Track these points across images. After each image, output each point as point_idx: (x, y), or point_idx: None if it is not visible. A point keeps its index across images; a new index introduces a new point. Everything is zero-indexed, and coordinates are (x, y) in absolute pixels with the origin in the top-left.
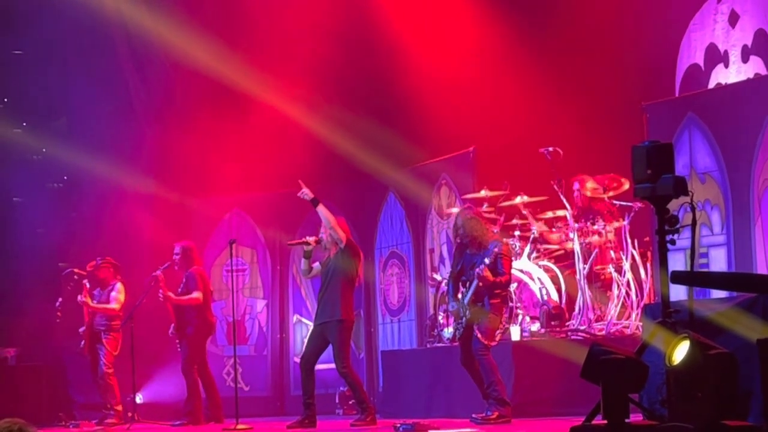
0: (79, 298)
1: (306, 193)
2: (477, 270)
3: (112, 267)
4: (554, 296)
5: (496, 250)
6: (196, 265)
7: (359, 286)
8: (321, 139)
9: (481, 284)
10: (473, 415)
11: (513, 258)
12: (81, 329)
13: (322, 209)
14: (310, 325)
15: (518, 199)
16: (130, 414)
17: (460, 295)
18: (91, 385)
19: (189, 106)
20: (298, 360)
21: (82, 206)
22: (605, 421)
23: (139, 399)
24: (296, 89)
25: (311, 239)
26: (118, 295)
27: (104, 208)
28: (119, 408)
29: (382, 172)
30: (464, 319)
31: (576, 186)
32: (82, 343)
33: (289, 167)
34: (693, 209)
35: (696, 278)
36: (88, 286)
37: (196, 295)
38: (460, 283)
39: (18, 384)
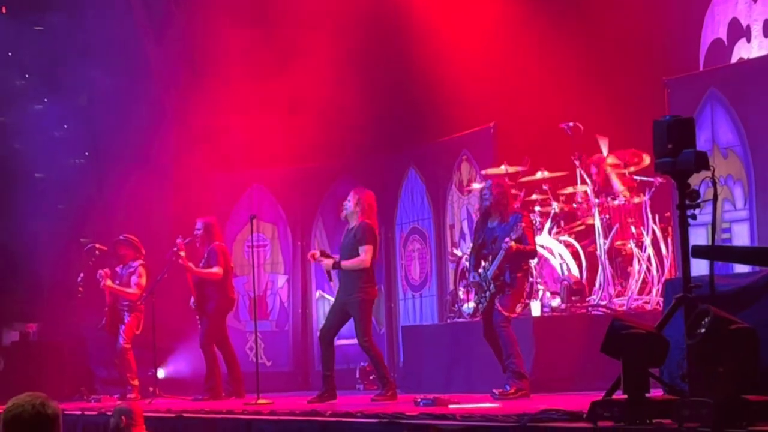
0: (100, 281)
1: (326, 264)
2: (503, 243)
3: (132, 244)
4: (575, 271)
5: (521, 224)
6: (217, 241)
7: (379, 263)
8: (342, 114)
9: (506, 256)
10: (493, 390)
11: (535, 232)
12: (106, 309)
13: (346, 264)
14: (333, 300)
15: (539, 175)
16: (151, 388)
17: (482, 269)
18: (112, 359)
19: (209, 80)
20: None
21: (103, 182)
22: (625, 396)
23: (160, 374)
24: (318, 63)
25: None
26: (139, 279)
27: (125, 183)
28: (136, 383)
29: (403, 148)
30: (488, 292)
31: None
32: (104, 320)
33: (310, 142)
34: (714, 184)
35: (717, 252)
36: (109, 272)
37: (216, 269)
38: (483, 256)
39: (40, 359)
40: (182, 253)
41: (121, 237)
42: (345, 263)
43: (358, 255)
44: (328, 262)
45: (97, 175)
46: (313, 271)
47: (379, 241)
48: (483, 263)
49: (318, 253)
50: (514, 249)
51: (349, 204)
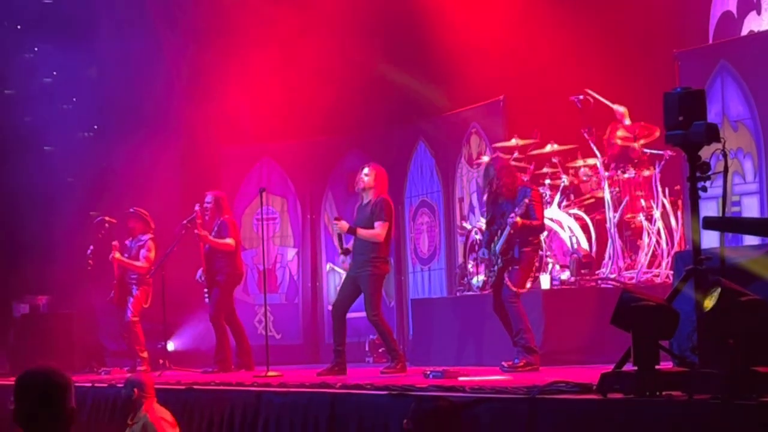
0: (110, 254)
1: (341, 226)
2: (509, 219)
3: (142, 217)
4: (584, 245)
5: (526, 200)
6: (227, 214)
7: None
8: (351, 87)
9: (512, 231)
10: (502, 363)
11: (543, 206)
12: (114, 282)
13: (362, 233)
14: (343, 273)
15: (548, 148)
16: (161, 361)
17: (492, 244)
18: (121, 333)
19: (219, 52)
20: (330, 309)
21: (113, 155)
22: (635, 368)
23: (170, 347)
24: (328, 37)
25: (341, 226)
26: (148, 253)
27: (135, 156)
28: (145, 355)
29: (412, 121)
30: (496, 267)
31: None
32: (113, 293)
33: (319, 115)
34: (725, 156)
35: (728, 224)
36: (118, 244)
37: (230, 241)
38: (492, 232)
39: (50, 331)
40: (199, 221)
41: (130, 210)
42: (361, 231)
43: (380, 236)
44: (343, 224)
45: (107, 147)
46: (323, 244)
47: (394, 218)
48: (494, 238)
49: (339, 222)
50: (520, 224)
51: (368, 178)
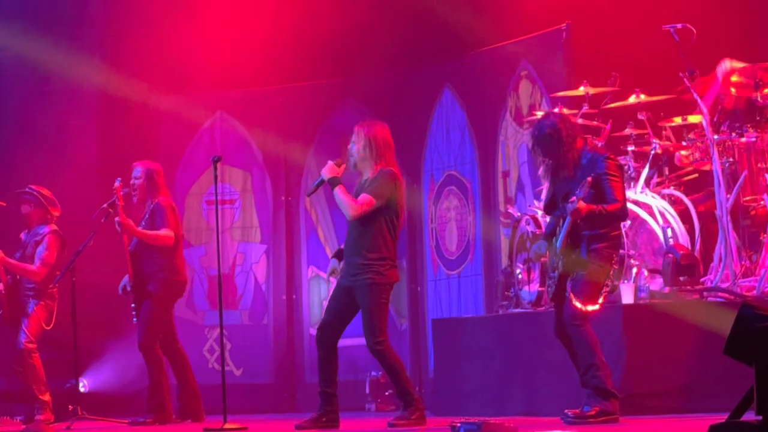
0: None
1: (327, 170)
2: (569, 203)
3: (39, 201)
4: (684, 240)
5: (589, 179)
6: (163, 195)
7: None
8: (348, 12)
9: (574, 221)
10: (566, 412)
11: (625, 183)
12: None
13: (342, 195)
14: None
15: (633, 99)
16: (70, 407)
17: (553, 237)
18: (11, 365)
19: None
20: (314, 333)
21: (3, 106)
22: (759, 418)
23: (82, 386)
24: None
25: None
26: (46, 253)
27: (34, 110)
28: (47, 398)
29: (435, 60)
30: (556, 273)
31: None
32: None
33: (302, 53)
34: None
35: None
36: None
37: (166, 233)
38: (554, 220)
39: None
40: (117, 218)
41: (26, 189)
42: (342, 192)
43: (373, 218)
44: (332, 166)
45: None
46: (303, 238)
47: (403, 192)
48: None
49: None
50: (585, 210)
51: (355, 147)
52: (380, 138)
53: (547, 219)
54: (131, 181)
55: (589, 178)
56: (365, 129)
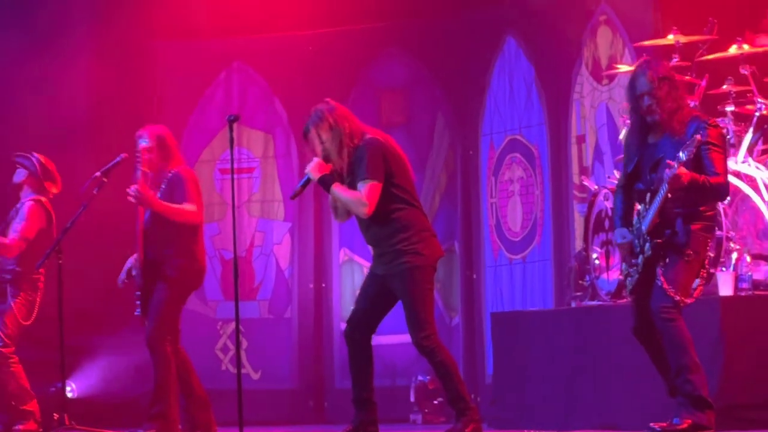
0: None
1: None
2: (667, 171)
3: (36, 169)
4: None
5: (698, 136)
6: (179, 164)
7: (452, 203)
8: None
9: (670, 193)
10: (651, 425)
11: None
12: None
13: (338, 191)
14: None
15: (734, 50)
16: (56, 415)
17: (635, 218)
18: None
19: None
20: (345, 327)
21: None
22: None
23: (69, 391)
24: None
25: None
26: (25, 224)
27: (22, 62)
28: (30, 407)
29: (495, 1)
30: (641, 257)
31: None
32: None
33: None
34: None
35: None
36: None
37: (191, 207)
38: (637, 195)
39: None
40: (135, 187)
41: (25, 154)
42: (338, 188)
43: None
44: (318, 163)
45: None
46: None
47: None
48: (638, 207)
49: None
50: (687, 180)
51: (323, 145)
52: (340, 115)
53: (619, 197)
54: (137, 150)
55: (698, 136)
56: (328, 118)
